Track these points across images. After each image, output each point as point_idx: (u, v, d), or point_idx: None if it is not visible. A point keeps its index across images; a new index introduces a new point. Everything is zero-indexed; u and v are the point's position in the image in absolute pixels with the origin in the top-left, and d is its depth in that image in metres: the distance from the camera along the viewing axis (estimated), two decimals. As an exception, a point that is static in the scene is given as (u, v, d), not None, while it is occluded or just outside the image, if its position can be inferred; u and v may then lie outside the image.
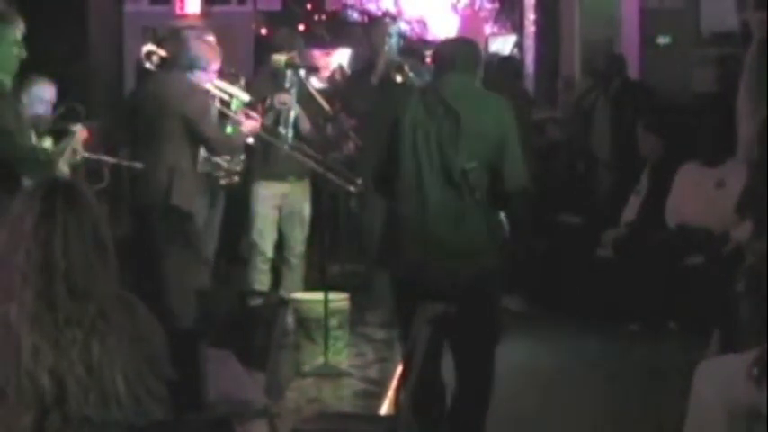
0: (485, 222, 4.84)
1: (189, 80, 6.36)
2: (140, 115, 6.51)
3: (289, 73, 7.34)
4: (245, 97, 6.96)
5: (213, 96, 6.72)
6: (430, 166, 4.82)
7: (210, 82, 6.60)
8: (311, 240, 7.78)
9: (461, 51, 5.07)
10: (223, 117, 6.84)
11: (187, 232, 6.29)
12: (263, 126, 7.00)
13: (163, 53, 6.60)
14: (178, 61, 6.41)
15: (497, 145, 4.78)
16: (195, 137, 6.31)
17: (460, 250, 4.81)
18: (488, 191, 4.80)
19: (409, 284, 4.90)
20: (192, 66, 6.38)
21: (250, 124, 6.82)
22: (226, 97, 6.83)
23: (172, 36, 6.69)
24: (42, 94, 6.85)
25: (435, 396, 4.99)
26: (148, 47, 6.70)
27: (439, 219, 4.81)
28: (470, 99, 4.90)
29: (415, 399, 4.49)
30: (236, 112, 6.79)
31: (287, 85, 7.37)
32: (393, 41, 7.89)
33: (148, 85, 6.61)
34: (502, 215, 5.05)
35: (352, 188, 7.11)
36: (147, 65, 6.61)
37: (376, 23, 8.68)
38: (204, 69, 6.44)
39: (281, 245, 7.65)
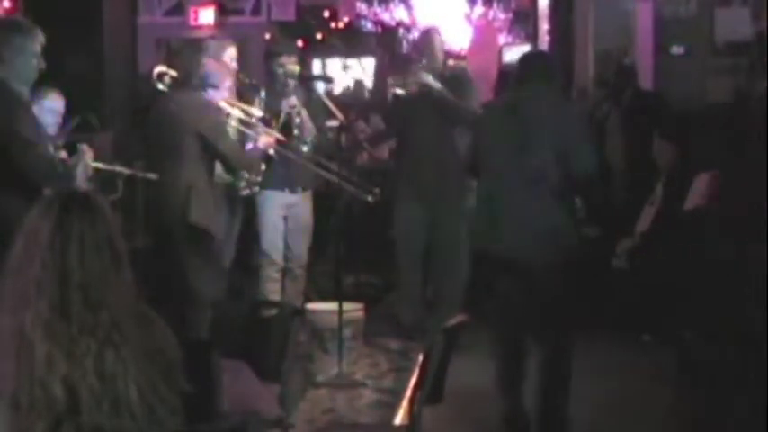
0: (556, 206, 5.57)
1: (203, 98, 6.35)
2: (156, 135, 6.48)
3: (290, 80, 7.38)
4: (258, 113, 6.95)
5: (228, 114, 6.71)
6: (508, 159, 5.61)
7: (223, 99, 6.59)
8: (325, 251, 7.76)
9: (539, 64, 6.00)
10: (239, 133, 6.83)
11: (205, 249, 6.29)
12: (278, 141, 7.01)
13: (174, 73, 6.53)
14: (189, 80, 6.37)
15: (565, 140, 5.52)
16: (212, 154, 6.31)
17: (534, 230, 5.53)
18: (560, 179, 5.52)
19: (491, 257, 5.74)
20: (204, 84, 6.36)
21: (265, 139, 6.82)
22: (240, 114, 6.82)
23: (187, 48, 6.66)
24: (52, 106, 6.88)
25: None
26: (159, 68, 6.64)
27: (514, 200, 5.58)
28: (544, 103, 5.69)
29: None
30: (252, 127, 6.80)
31: (289, 89, 7.41)
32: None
33: (163, 104, 6.55)
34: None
35: (369, 198, 7.11)
36: (160, 86, 6.55)
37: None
38: (216, 87, 6.43)
39: (285, 255, 7.66)
